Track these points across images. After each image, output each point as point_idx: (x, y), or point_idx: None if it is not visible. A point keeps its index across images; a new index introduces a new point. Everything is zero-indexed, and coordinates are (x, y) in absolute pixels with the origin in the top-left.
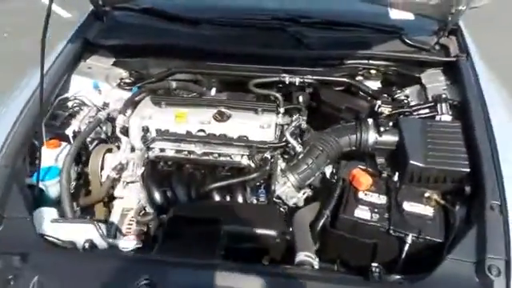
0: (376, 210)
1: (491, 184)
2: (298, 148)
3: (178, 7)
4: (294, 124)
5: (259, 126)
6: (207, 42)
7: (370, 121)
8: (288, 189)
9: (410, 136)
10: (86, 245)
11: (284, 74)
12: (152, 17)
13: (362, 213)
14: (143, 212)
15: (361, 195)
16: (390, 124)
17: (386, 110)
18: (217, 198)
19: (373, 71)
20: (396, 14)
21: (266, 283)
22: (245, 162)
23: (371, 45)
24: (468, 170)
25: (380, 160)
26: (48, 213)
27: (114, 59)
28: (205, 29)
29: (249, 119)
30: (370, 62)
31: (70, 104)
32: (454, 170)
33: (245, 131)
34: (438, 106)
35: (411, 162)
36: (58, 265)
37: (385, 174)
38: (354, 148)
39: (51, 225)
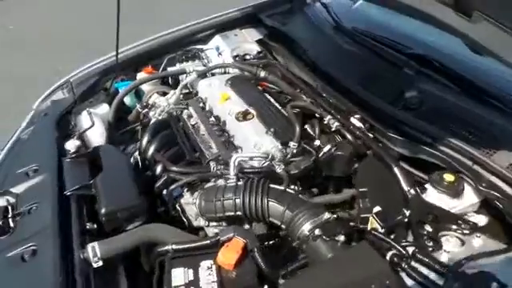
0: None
1: None
2: (231, 181)
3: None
4: (253, 157)
5: (254, 143)
6: (317, 53)
7: (332, 216)
8: (192, 207)
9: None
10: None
11: (326, 112)
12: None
13: (180, 274)
14: None
15: (204, 263)
16: (341, 238)
17: (374, 224)
18: (158, 169)
19: (449, 177)
20: None
21: None
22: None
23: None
24: None
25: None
26: (101, 107)
27: (261, 37)
28: (342, 42)
29: (255, 132)
30: (474, 167)
31: (192, 53)
32: None
33: (241, 140)
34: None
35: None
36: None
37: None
38: (283, 226)
39: (85, 113)
